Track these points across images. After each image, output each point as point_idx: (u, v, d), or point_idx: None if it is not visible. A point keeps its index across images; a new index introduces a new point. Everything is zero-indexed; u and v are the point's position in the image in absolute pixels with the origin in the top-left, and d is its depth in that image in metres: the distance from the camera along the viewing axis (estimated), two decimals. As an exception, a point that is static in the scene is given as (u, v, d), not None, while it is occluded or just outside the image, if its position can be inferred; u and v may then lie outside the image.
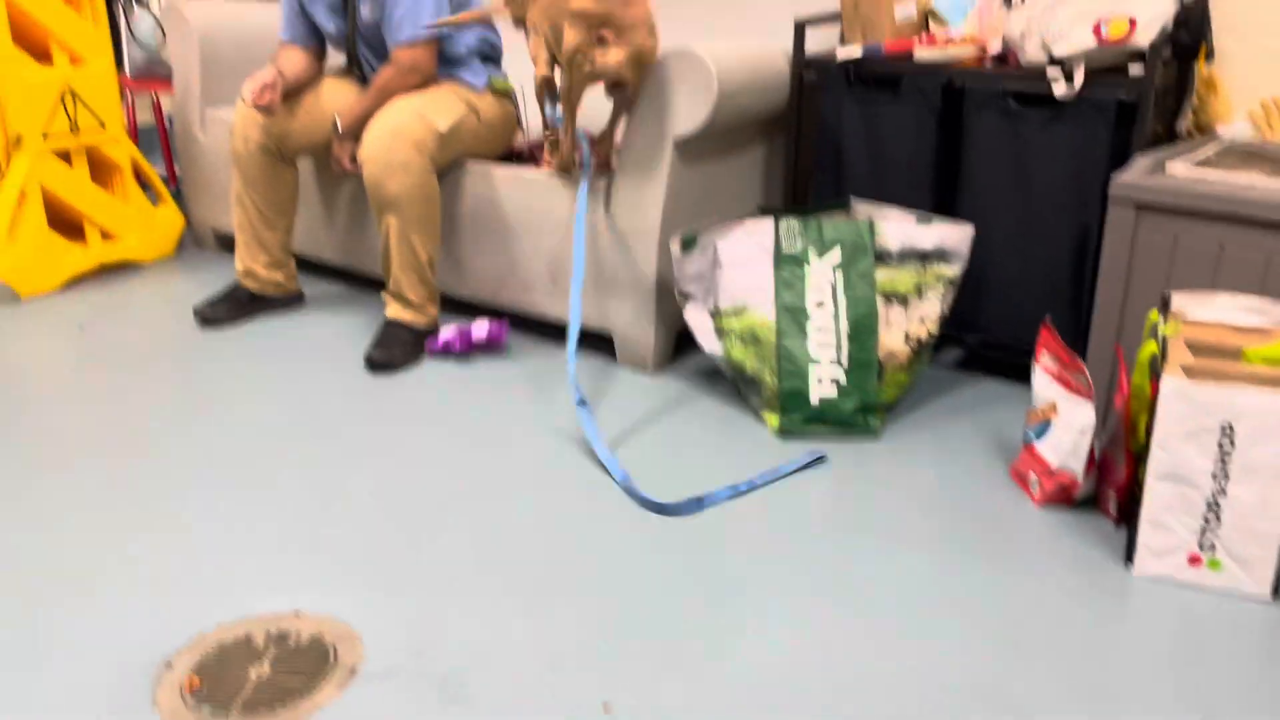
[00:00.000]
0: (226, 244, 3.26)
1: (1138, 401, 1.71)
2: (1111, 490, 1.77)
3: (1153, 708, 1.35)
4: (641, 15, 1.87)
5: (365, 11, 2.48)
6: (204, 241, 3.27)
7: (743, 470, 1.96)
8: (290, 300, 2.80)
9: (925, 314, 2.15)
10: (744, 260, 2.16)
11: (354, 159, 2.49)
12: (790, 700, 1.37)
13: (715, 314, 2.20)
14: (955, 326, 2.36)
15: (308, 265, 3.13)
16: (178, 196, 3.77)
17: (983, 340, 2.34)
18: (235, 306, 2.69)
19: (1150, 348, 1.69)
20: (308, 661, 1.44)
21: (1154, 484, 1.58)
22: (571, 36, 1.69)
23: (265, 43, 3.20)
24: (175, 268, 3.13)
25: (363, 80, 2.68)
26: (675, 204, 2.31)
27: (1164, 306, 1.73)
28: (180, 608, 1.56)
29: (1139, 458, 1.68)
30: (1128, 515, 1.75)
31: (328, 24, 2.56)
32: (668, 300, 2.38)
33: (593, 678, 1.41)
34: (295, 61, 2.59)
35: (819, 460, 1.99)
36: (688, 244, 2.23)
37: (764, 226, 2.18)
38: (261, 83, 2.43)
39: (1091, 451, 1.77)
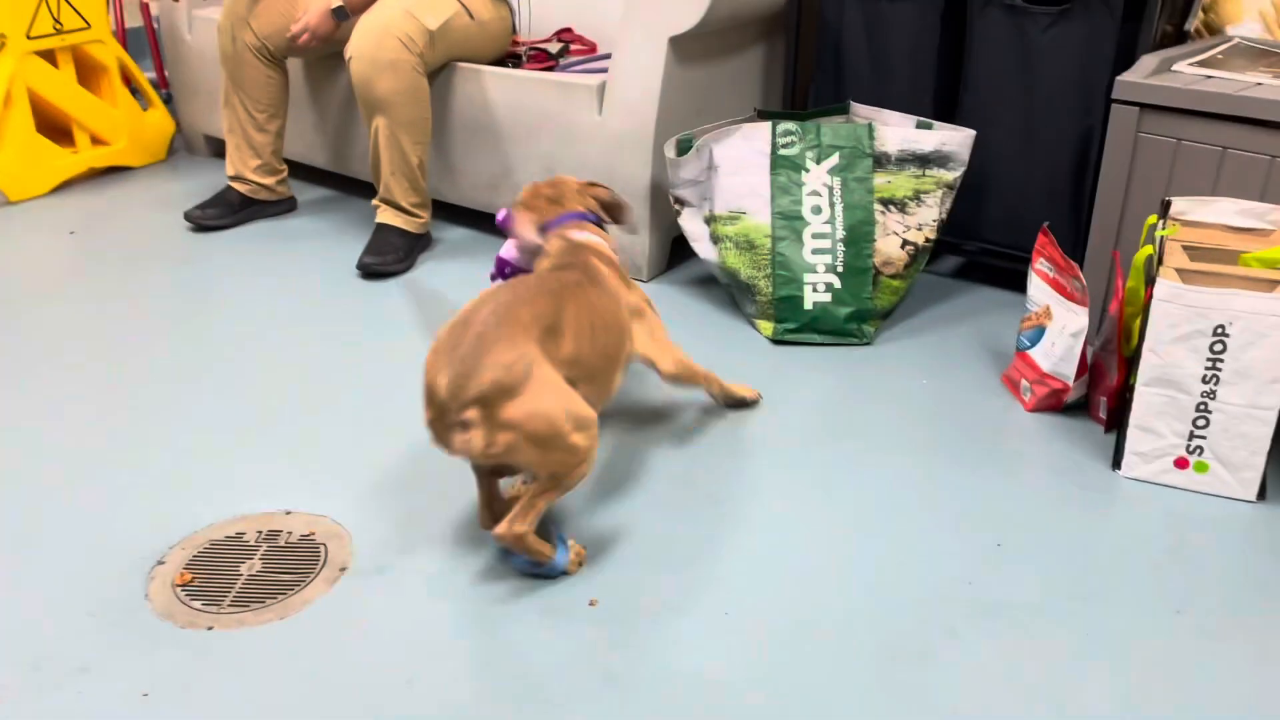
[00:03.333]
0: (218, 149, 3.21)
1: (1132, 306, 1.69)
2: (1102, 396, 1.77)
3: (1135, 606, 1.37)
4: None
5: None
6: (195, 146, 3.23)
7: (739, 377, 1.95)
8: (282, 205, 2.77)
9: (923, 220, 2.12)
10: (740, 165, 2.13)
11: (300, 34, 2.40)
12: (775, 599, 1.38)
13: (710, 220, 2.17)
14: (954, 233, 2.33)
15: (300, 170, 3.09)
16: (168, 100, 3.70)
17: (981, 247, 2.31)
18: (227, 210, 2.66)
19: (1147, 251, 1.66)
20: (298, 559, 1.45)
21: (1143, 389, 1.58)
22: None
23: (252, -61, 3.10)
24: (166, 172, 3.09)
25: None
26: (670, 106, 2.26)
27: (1164, 210, 1.71)
28: (173, 505, 1.57)
29: (1131, 363, 1.67)
30: (1117, 420, 1.75)
31: None
32: (662, 206, 2.35)
33: (579, 576, 1.43)
34: None
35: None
36: (683, 148, 2.19)
37: (761, 130, 2.13)
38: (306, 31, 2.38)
39: (1083, 357, 1.76)
